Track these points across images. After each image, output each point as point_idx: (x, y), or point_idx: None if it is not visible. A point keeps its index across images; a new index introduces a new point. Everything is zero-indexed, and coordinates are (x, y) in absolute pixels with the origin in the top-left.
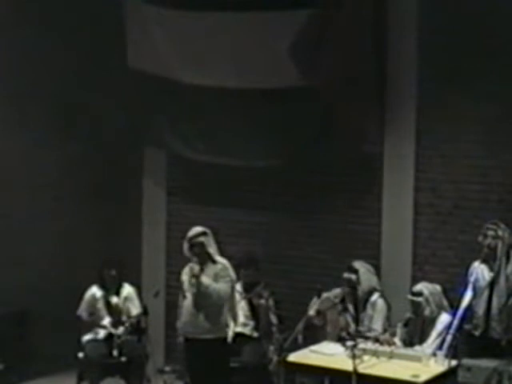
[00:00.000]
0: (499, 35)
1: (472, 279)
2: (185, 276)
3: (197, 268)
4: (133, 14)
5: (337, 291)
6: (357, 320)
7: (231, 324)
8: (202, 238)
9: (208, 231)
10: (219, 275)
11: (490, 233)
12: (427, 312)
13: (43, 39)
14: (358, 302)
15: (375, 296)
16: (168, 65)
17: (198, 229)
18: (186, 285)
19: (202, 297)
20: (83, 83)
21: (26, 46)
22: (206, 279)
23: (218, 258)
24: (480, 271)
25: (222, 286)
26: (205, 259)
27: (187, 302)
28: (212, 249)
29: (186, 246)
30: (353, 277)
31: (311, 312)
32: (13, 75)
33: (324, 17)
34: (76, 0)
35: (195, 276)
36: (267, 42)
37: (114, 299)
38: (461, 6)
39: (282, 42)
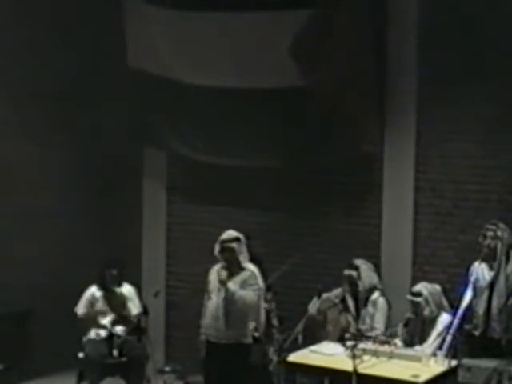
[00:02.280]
0: (499, 35)
1: (472, 279)
2: (212, 276)
3: (224, 274)
4: (133, 13)
5: (337, 291)
6: (358, 319)
7: (254, 331)
8: (234, 244)
9: (242, 238)
10: (247, 283)
11: (490, 233)
12: (427, 312)
13: (43, 39)
14: (359, 299)
15: (376, 294)
16: (168, 65)
17: (231, 233)
18: (211, 285)
19: (227, 303)
20: (83, 83)
21: (26, 45)
22: (232, 285)
23: (248, 265)
24: (480, 271)
25: (248, 294)
26: (234, 265)
27: (211, 305)
28: (243, 256)
29: (217, 248)
30: (353, 273)
31: (312, 311)
32: (13, 75)
33: (324, 17)
34: (76, 0)
35: (221, 282)
36: (267, 41)
37: (117, 289)
38: (461, 6)
39: (282, 41)
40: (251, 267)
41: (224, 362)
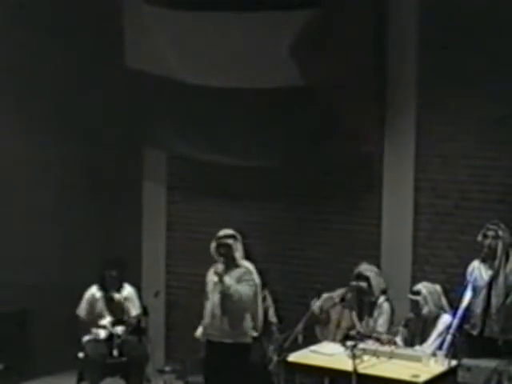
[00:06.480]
0: (499, 35)
1: (471, 279)
2: (209, 277)
3: (221, 267)
4: (132, 13)
5: (340, 292)
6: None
7: (252, 330)
8: (230, 240)
9: (238, 236)
10: (242, 278)
11: (491, 233)
12: (425, 311)
13: (43, 39)
14: (365, 303)
15: (381, 299)
16: (167, 65)
17: (228, 231)
18: (209, 286)
19: (223, 297)
20: (83, 83)
21: (26, 45)
22: (228, 279)
23: (243, 263)
24: (478, 271)
25: (244, 289)
26: (229, 262)
27: (209, 304)
28: (238, 253)
29: (213, 245)
30: (364, 284)
31: (314, 308)
32: (13, 75)
33: (324, 17)
34: (76, 0)
35: (218, 275)
36: (267, 41)
37: (117, 295)
38: (461, 6)
39: (282, 41)
40: (246, 264)
41: (224, 362)
